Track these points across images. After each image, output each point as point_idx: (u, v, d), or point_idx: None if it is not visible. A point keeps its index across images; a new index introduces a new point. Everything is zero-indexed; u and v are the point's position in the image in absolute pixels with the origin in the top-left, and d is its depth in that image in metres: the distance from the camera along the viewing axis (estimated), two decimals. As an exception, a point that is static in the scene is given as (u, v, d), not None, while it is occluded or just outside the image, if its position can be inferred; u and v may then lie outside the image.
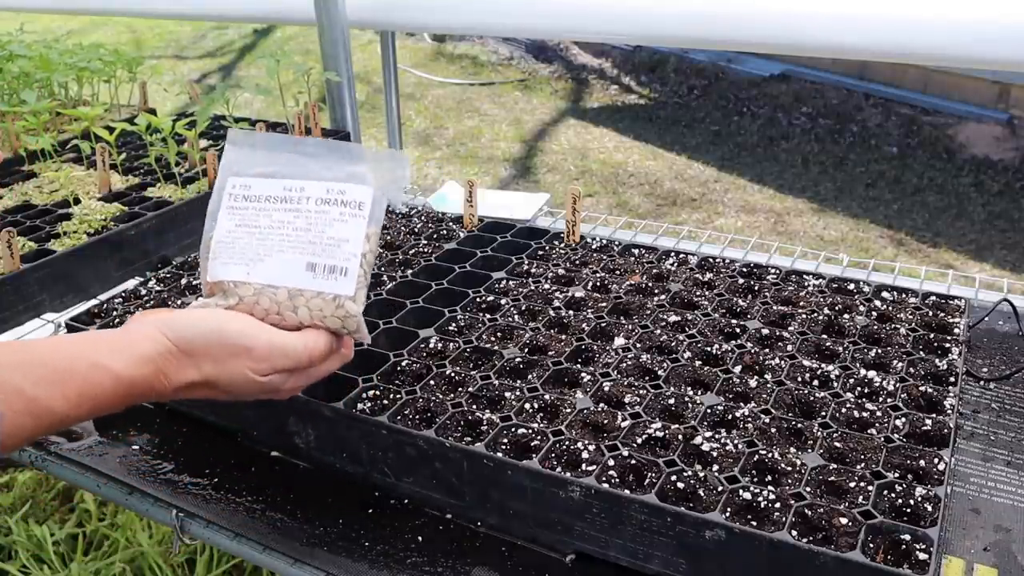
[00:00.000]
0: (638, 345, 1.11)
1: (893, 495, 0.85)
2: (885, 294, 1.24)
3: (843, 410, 0.97)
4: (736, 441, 0.92)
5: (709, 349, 1.09)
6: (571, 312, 1.19)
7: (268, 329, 0.87)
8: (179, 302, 1.25)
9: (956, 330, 1.14)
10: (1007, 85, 4.77)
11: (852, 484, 0.86)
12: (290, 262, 0.91)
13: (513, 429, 0.95)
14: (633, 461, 0.90)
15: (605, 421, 0.96)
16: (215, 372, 0.85)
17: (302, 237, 0.91)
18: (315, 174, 0.94)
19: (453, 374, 1.05)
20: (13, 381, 0.72)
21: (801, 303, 1.21)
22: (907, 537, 0.79)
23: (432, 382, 1.04)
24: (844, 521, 0.81)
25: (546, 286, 1.26)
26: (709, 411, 0.97)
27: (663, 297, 1.22)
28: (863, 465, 0.89)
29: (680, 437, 0.92)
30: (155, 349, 0.82)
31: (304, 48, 6.42)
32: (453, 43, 6.79)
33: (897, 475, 0.87)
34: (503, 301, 1.22)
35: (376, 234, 0.93)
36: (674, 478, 0.87)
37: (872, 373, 1.03)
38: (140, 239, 1.51)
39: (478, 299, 1.23)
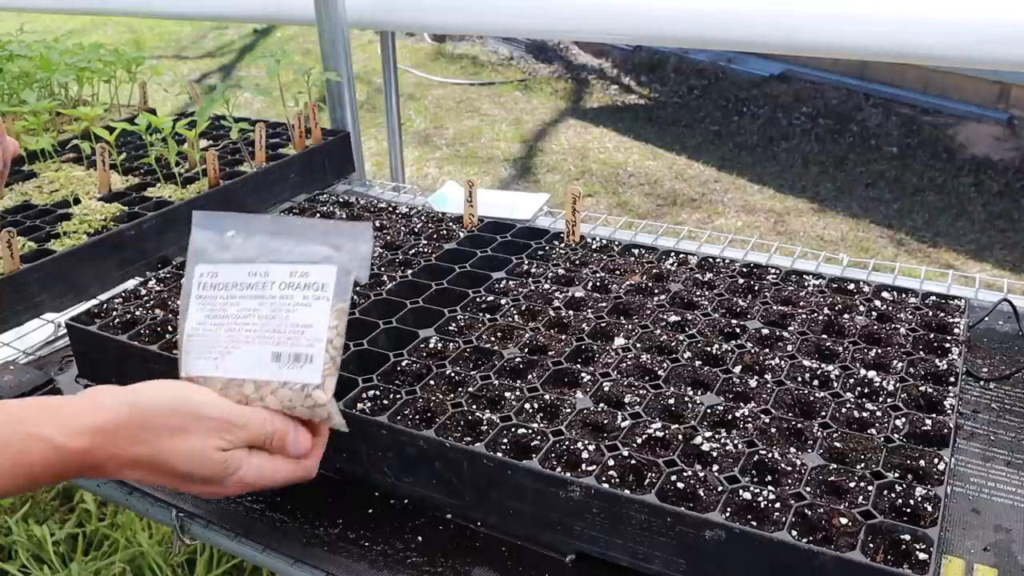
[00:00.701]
0: (638, 345, 1.11)
1: (893, 495, 0.85)
2: (885, 294, 1.24)
3: (843, 410, 0.97)
4: (736, 441, 0.92)
5: (709, 349, 1.09)
6: (571, 312, 1.19)
7: (233, 404, 0.83)
8: (178, 302, 1.25)
9: (956, 330, 1.14)
10: (1007, 85, 4.77)
11: (852, 484, 0.86)
12: (256, 353, 0.88)
13: (513, 429, 0.95)
14: (633, 461, 0.90)
15: (605, 421, 0.96)
16: (170, 446, 0.78)
17: (268, 325, 0.88)
18: (280, 255, 0.90)
19: (453, 374, 1.05)
20: None
21: (801, 303, 1.21)
22: (907, 537, 0.79)
23: (432, 382, 1.04)
24: (844, 521, 0.81)
25: (546, 286, 1.26)
26: (709, 411, 0.97)
27: (663, 297, 1.22)
28: (863, 465, 0.89)
29: (680, 437, 0.92)
30: (109, 418, 0.76)
31: (304, 48, 6.42)
32: (453, 43, 6.79)
33: (897, 475, 0.87)
34: (503, 301, 1.22)
35: (344, 311, 0.88)
36: (674, 478, 0.87)
37: (872, 373, 1.03)
38: (140, 239, 1.51)
39: (478, 299, 1.23)
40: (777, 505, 0.83)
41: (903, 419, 0.95)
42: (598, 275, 1.29)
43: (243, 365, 0.88)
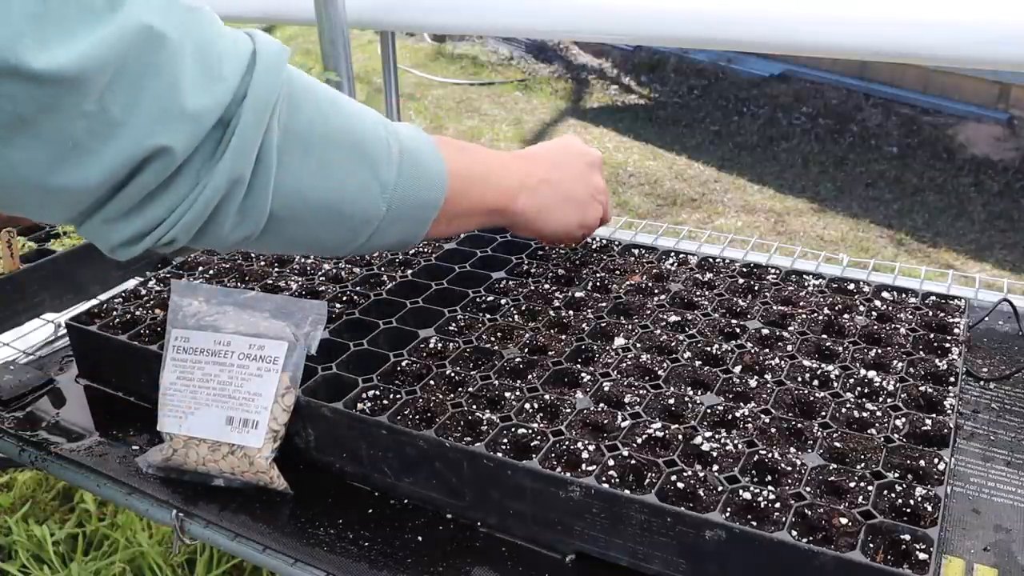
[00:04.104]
0: (638, 345, 1.11)
1: (893, 495, 0.85)
2: (885, 294, 1.24)
3: (843, 410, 0.97)
4: (736, 441, 0.92)
5: (709, 349, 1.09)
6: (571, 312, 1.19)
7: None
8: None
9: (956, 330, 1.14)
10: (1007, 85, 4.77)
11: (852, 484, 0.86)
12: (214, 415, 0.99)
13: (513, 429, 0.95)
14: (633, 461, 0.90)
15: (605, 421, 0.96)
16: None
17: (225, 391, 0.99)
18: (244, 327, 1.01)
19: (453, 374, 1.05)
20: None
21: (801, 303, 1.21)
22: (907, 537, 0.79)
23: (432, 382, 1.04)
24: (844, 521, 0.81)
25: (546, 286, 1.27)
26: (709, 411, 0.97)
27: (663, 297, 1.22)
28: (863, 465, 0.89)
29: (680, 437, 0.92)
30: None
31: (304, 48, 6.41)
32: (453, 43, 6.79)
33: (897, 475, 0.87)
34: (503, 301, 1.22)
35: (296, 379, 1.00)
36: (674, 478, 0.87)
37: (872, 373, 1.03)
38: (140, 239, 1.51)
39: (478, 299, 1.23)
40: (777, 505, 0.83)
41: (903, 419, 0.95)
42: (598, 275, 1.29)
43: (202, 425, 0.99)
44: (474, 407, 0.99)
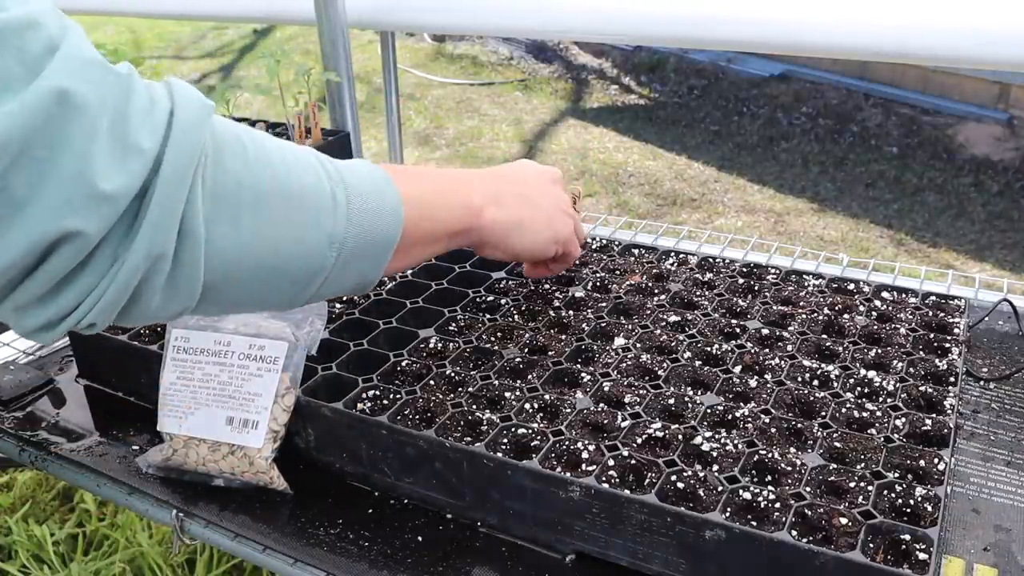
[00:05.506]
0: (638, 345, 1.11)
1: (893, 495, 0.85)
2: (885, 294, 1.24)
3: (843, 410, 0.97)
4: (736, 441, 0.92)
5: (709, 349, 1.09)
6: (571, 312, 1.19)
7: None
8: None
9: (956, 330, 1.14)
10: (1007, 85, 4.77)
11: (852, 484, 0.86)
12: (214, 415, 0.99)
13: (513, 429, 0.95)
14: (633, 461, 0.90)
15: (605, 421, 0.96)
16: None
17: (225, 391, 0.99)
18: (243, 327, 1.01)
19: (453, 374, 1.05)
20: None
21: (801, 303, 1.21)
22: (907, 537, 0.79)
23: (432, 382, 1.04)
24: (844, 521, 0.81)
25: (546, 286, 1.27)
26: (709, 411, 0.97)
27: (663, 297, 1.22)
28: (863, 465, 0.89)
29: (680, 437, 0.92)
30: None
31: (304, 48, 6.42)
32: (453, 43, 6.79)
33: (897, 475, 0.87)
34: (503, 301, 1.22)
35: (296, 379, 0.99)
36: (674, 478, 0.87)
37: (872, 373, 1.03)
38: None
39: (478, 299, 1.23)
40: (777, 505, 0.83)
41: (903, 419, 0.95)
42: (598, 275, 1.29)
43: (202, 426, 0.99)
44: (474, 407, 0.99)
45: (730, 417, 0.97)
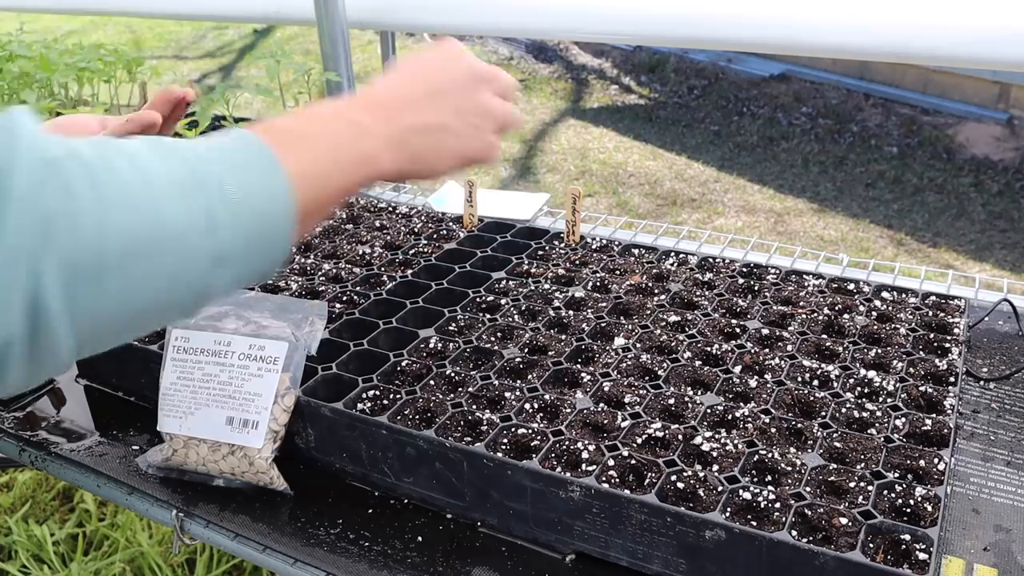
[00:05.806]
0: (638, 345, 1.11)
1: (893, 495, 0.85)
2: (885, 294, 1.24)
3: (843, 410, 0.97)
4: (736, 441, 0.92)
5: (709, 349, 1.09)
6: (571, 312, 1.19)
7: None
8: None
9: (956, 330, 1.14)
10: (1007, 85, 4.77)
11: (852, 484, 0.86)
12: (214, 415, 0.99)
13: (513, 429, 0.95)
14: (633, 461, 0.90)
15: (605, 421, 0.96)
16: None
17: (225, 391, 0.99)
18: (244, 327, 1.01)
19: (453, 374, 1.05)
20: None
21: (801, 303, 1.21)
22: (907, 537, 0.79)
23: (432, 382, 1.04)
24: (844, 521, 0.81)
25: (546, 286, 1.27)
26: (709, 411, 0.97)
27: (663, 297, 1.22)
28: (863, 465, 0.89)
29: (680, 437, 0.92)
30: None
31: (304, 48, 6.42)
32: (453, 43, 6.77)
33: (897, 475, 0.87)
34: (503, 301, 1.22)
35: (296, 379, 1.00)
36: (674, 478, 0.87)
37: (872, 373, 1.03)
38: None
39: (478, 299, 1.23)
40: (777, 505, 0.83)
41: (903, 419, 0.95)
42: (598, 275, 1.29)
43: (202, 426, 0.99)
44: (474, 407, 0.99)
45: (730, 417, 0.97)
